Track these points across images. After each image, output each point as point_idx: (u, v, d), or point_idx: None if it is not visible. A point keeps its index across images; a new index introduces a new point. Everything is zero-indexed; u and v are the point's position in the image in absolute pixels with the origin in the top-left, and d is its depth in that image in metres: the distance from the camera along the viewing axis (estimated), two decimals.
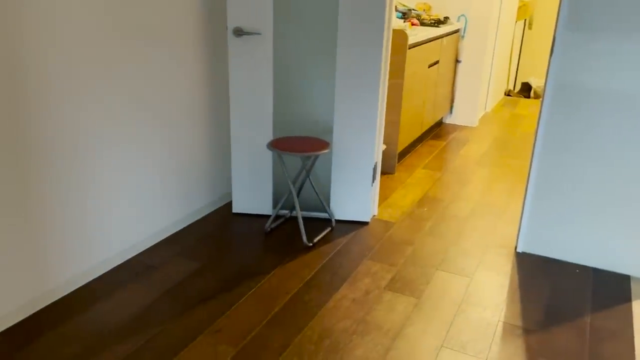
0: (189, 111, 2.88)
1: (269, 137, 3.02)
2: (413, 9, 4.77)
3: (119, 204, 2.55)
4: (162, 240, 2.87)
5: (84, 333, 2.14)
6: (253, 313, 2.31)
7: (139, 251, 2.74)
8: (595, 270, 2.73)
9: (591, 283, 2.63)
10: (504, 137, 4.94)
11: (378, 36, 2.79)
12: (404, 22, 4.33)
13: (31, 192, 2.13)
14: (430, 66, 4.33)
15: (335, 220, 3.17)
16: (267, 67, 2.89)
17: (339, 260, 2.74)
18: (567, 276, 2.68)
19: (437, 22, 4.63)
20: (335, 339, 2.16)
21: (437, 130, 5.08)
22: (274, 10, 2.85)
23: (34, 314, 2.24)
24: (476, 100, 5.21)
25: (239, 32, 2.82)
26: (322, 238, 2.96)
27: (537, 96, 6.77)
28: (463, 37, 5.06)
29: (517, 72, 7.25)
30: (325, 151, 2.79)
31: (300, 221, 2.88)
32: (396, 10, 4.62)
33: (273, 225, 3.08)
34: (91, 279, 2.49)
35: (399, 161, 4.19)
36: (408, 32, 3.73)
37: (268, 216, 3.18)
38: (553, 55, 2.55)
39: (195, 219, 3.11)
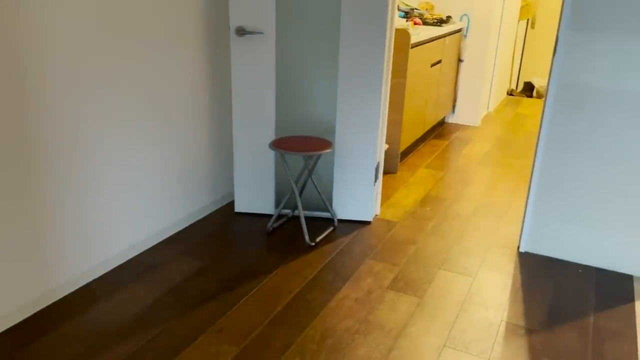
0: (191, 111, 2.88)
1: (271, 136, 3.02)
2: (415, 8, 4.76)
3: (120, 204, 2.55)
4: (164, 239, 2.87)
5: (85, 333, 2.14)
6: (255, 312, 2.30)
7: (141, 251, 2.74)
8: (598, 270, 2.73)
9: (594, 283, 2.62)
10: (506, 137, 4.93)
11: (380, 35, 2.79)
12: (407, 21, 4.32)
13: (32, 191, 2.13)
14: (432, 65, 4.32)
15: (338, 219, 3.17)
16: (269, 66, 2.89)
17: (341, 260, 2.74)
18: (569, 276, 2.67)
19: (440, 22, 4.63)
20: (337, 339, 2.16)
21: (439, 130, 5.07)
22: (277, 10, 2.85)
23: (35, 314, 2.24)
24: (479, 100, 5.20)
25: (241, 32, 2.82)
26: (324, 237, 2.96)
27: (539, 96, 6.76)
28: (465, 36, 5.05)
29: (519, 71, 7.24)
30: (328, 151, 2.79)
31: (303, 221, 2.87)
32: (398, 9, 4.62)
33: (275, 225, 3.08)
34: (92, 279, 2.49)
35: (401, 160, 4.19)
36: (410, 31, 3.73)
37: (270, 216, 3.18)
38: (556, 55, 2.54)
39: (197, 219, 3.11)
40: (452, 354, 2.10)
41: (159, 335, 2.15)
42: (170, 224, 2.90)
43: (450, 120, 5.36)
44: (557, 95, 2.59)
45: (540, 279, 2.64)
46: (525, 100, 6.51)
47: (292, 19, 2.87)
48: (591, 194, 2.65)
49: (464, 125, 5.28)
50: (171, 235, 2.91)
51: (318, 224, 3.10)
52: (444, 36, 4.47)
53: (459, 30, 4.91)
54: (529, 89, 6.95)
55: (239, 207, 3.19)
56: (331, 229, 3.06)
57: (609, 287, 2.59)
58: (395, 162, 3.92)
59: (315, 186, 3.01)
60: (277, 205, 3.19)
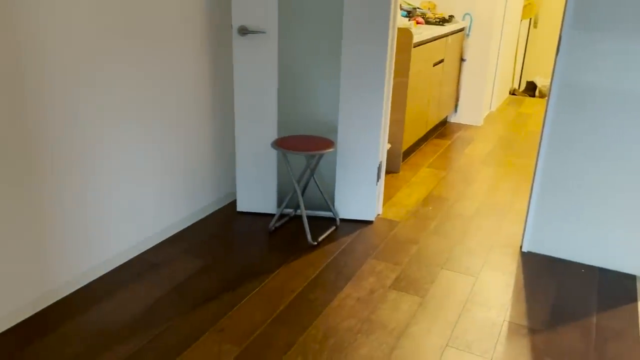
0: (193, 110, 2.88)
1: (274, 136, 3.02)
2: (418, 8, 4.76)
3: (121, 203, 2.55)
4: (166, 239, 2.87)
5: (86, 333, 2.14)
6: (257, 312, 2.30)
7: (143, 250, 2.74)
8: (601, 270, 2.72)
9: (597, 283, 2.61)
10: (509, 136, 4.93)
11: (383, 35, 2.79)
12: (409, 20, 4.31)
13: (32, 191, 2.13)
14: (435, 65, 4.31)
15: (340, 219, 3.16)
16: (271, 65, 2.88)
17: (343, 259, 2.74)
18: (572, 276, 2.67)
19: (442, 21, 4.62)
20: (340, 338, 2.16)
21: (441, 129, 5.06)
22: (279, 9, 2.84)
23: (35, 314, 2.24)
24: (481, 99, 5.20)
25: (243, 31, 2.81)
26: (326, 237, 2.96)
27: (542, 95, 6.75)
28: (468, 35, 5.04)
29: (522, 71, 7.23)
30: (330, 150, 2.79)
31: (305, 220, 2.87)
32: (401, 8, 4.61)
33: (277, 224, 3.07)
34: (93, 278, 2.49)
35: (403, 160, 4.18)
36: (413, 30, 3.72)
37: (272, 215, 3.18)
38: (559, 54, 2.53)
39: (200, 218, 3.11)
40: (455, 354, 2.09)
41: (161, 334, 2.14)
42: (173, 223, 2.90)
43: (453, 119, 5.35)
44: (560, 95, 2.58)
45: (542, 278, 2.64)
46: (528, 99, 6.50)
47: (295, 18, 2.87)
48: (594, 193, 2.64)
49: (466, 124, 5.27)
50: (173, 235, 2.91)
51: (320, 224, 3.10)
52: (446, 35, 4.47)
53: (461, 30, 4.91)
54: (531, 89, 6.94)
55: (241, 207, 3.19)
56: (333, 228, 3.06)
57: (611, 287, 2.59)
58: (398, 161, 3.91)
59: (318, 185, 3.01)
60: (279, 204, 3.18)
